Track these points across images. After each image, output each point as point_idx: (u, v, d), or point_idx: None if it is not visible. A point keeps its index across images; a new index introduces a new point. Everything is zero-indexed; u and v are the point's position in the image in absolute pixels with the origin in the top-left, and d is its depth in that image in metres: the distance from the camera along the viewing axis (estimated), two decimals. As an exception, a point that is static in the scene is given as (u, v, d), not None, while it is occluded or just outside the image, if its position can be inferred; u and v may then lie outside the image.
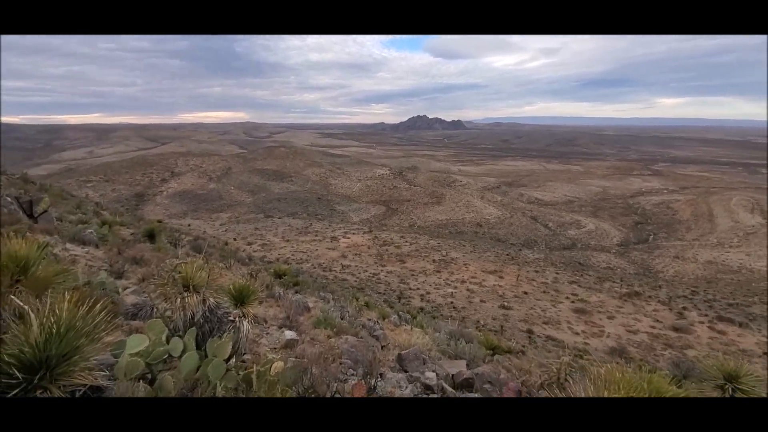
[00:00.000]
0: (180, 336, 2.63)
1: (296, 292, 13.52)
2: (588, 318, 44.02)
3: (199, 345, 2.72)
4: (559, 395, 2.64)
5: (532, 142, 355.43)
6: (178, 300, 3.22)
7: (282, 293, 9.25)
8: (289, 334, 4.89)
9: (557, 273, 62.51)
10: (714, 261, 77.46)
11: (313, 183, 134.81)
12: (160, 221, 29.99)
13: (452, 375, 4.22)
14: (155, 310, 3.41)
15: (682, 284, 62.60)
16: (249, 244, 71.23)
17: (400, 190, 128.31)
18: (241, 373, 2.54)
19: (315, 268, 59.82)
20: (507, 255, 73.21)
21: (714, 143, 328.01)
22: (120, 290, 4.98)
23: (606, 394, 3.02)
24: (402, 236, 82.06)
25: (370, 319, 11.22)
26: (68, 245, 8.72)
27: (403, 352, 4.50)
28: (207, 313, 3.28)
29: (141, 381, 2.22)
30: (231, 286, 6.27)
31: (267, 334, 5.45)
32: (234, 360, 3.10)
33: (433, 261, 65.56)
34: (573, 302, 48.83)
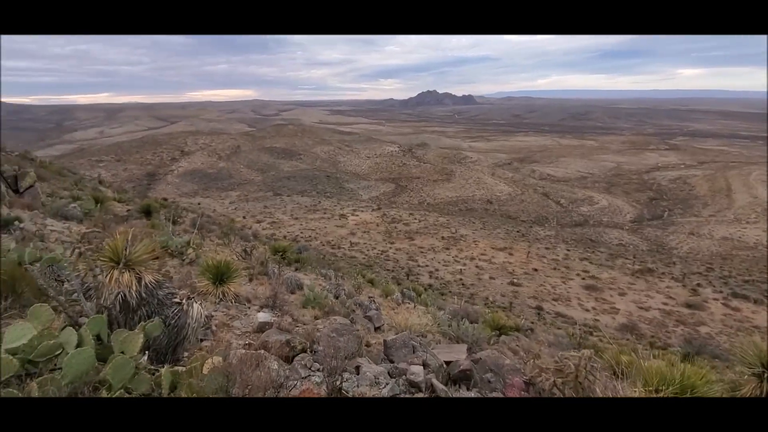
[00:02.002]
0: (79, 326, 2.04)
1: (296, 270, 13.06)
2: (599, 295, 43.40)
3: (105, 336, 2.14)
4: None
5: (545, 116, 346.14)
6: (107, 277, 2.62)
7: (276, 271, 8.72)
8: (262, 317, 4.33)
9: (568, 250, 61.54)
10: (730, 237, 75.26)
11: (321, 161, 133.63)
12: (164, 199, 29.76)
13: (447, 364, 3.61)
14: (75, 289, 2.83)
15: (696, 261, 61.21)
16: (258, 222, 71.43)
17: (409, 167, 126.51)
18: (165, 371, 1.95)
19: (324, 245, 59.84)
20: (517, 232, 72.24)
21: (735, 116, 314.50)
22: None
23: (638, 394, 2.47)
24: (411, 214, 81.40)
25: (371, 297, 10.71)
26: (49, 220, 8.27)
27: (389, 338, 3.90)
28: (142, 294, 2.68)
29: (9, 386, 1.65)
30: (207, 263, 5.68)
31: (245, 315, 4.91)
32: (170, 354, 2.52)
33: (443, 238, 65.05)
34: (584, 279, 48.18)
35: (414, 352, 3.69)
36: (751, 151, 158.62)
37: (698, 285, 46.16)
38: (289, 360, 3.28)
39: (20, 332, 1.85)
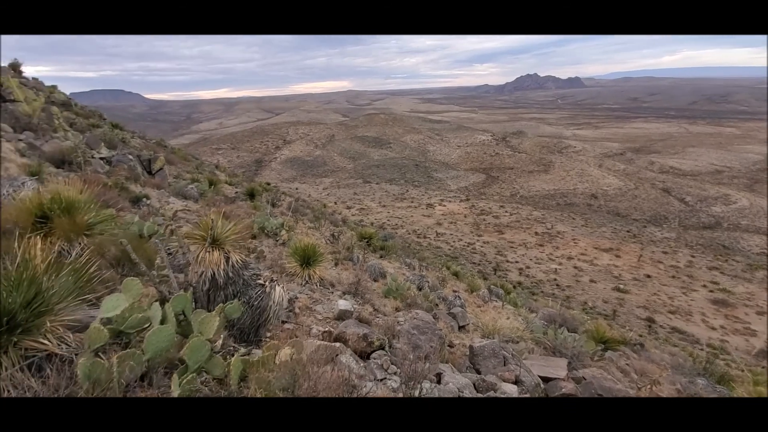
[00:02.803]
0: (166, 300, 2.08)
1: (381, 257, 13.15)
2: (730, 311, 36.61)
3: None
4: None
5: (671, 99, 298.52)
6: (198, 255, 2.70)
7: (360, 257, 8.79)
8: (342, 305, 4.26)
9: (693, 256, 52.91)
10: None
11: (411, 149, 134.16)
12: (268, 184, 32.70)
13: (545, 381, 3.10)
14: (166, 265, 2.99)
15: None
16: (348, 207, 74.76)
17: (502, 157, 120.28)
18: (235, 357, 1.89)
19: (409, 234, 60.27)
20: (627, 232, 64.23)
21: None
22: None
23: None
24: (502, 206, 77.58)
25: (455, 292, 10.27)
26: (171, 199, 9.47)
27: (476, 344, 3.49)
28: (229, 274, 2.71)
29: (102, 355, 1.71)
30: (295, 246, 5.83)
31: (327, 300, 4.92)
32: (253, 335, 2.50)
33: (536, 234, 60.88)
34: (711, 291, 41.11)
35: (505, 364, 3.24)
36: None
37: None
38: (365, 356, 3.12)
39: (115, 303, 1.95)
